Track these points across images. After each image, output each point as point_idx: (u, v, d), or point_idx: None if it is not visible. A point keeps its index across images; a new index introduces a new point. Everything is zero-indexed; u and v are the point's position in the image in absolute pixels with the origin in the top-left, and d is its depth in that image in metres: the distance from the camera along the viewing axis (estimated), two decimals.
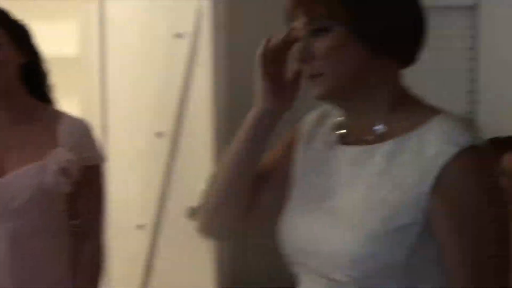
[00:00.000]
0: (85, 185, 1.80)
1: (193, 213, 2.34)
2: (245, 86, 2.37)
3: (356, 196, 1.12)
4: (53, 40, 2.25)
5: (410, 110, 1.13)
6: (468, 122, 1.14)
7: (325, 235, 1.12)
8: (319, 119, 1.27)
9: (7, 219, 1.71)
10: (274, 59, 1.16)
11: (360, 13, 1.07)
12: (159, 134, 2.62)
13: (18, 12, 1.87)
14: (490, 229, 1.06)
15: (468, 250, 1.05)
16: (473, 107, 3.03)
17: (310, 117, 1.29)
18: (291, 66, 1.19)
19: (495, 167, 1.18)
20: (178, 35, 2.47)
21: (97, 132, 2.06)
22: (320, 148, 1.23)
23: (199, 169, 2.45)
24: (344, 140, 1.19)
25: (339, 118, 1.22)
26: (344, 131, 1.21)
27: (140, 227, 2.64)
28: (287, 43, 1.15)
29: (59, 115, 1.82)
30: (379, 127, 1.13)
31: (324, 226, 1.13)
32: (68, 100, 2.05)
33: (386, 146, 1.11)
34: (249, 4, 2.76)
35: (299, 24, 1.10)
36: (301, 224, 1.18)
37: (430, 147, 1.06)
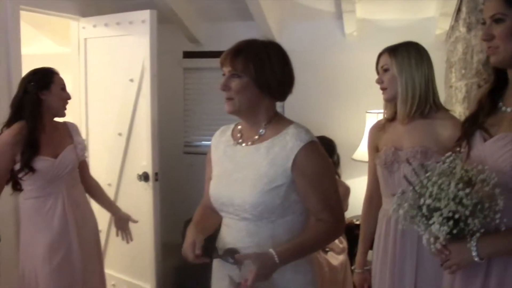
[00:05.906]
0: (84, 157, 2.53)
1: (139, 177, 3.12)
2: (168, 106, 3.31)
3: (251, 172, 1.40)
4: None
5: (277, 122, 1.45)
6: (307, 128, 1.43)
7: (236, 193, 1.40)
8: (221, 134, 1.59)
9: (65, 177, 2.37)
10: None
11: (257, 72, 1.38)
12: (120, 134, 3.32)
13: None
14: (327, 182, 1.42)
15: (317, 193, 1.39)
16: None
17: (215, 135, 1.59)
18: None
19: (324, 151, 1.45)
20: (131, 80, 3.22)
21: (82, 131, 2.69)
22: (224, 150, 1.50)
23: (142, 152, 3.18)
24: (240, 142, 1.47)
25: (239, 127, 1.51)
26: (240, 135, 1.49)
27: (109, 184, 3.29)
28: None
29: (66, 124, 2.50)
30: (262, 131, 1.45)
31: (235, 189, 1.41)
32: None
33: (266, 143, 1.41)
34: (166, 62, 3.38)
35: (226, 68, 1.41)
36: (221, 189, 1.44)
37: (289, 143, 1.37)
